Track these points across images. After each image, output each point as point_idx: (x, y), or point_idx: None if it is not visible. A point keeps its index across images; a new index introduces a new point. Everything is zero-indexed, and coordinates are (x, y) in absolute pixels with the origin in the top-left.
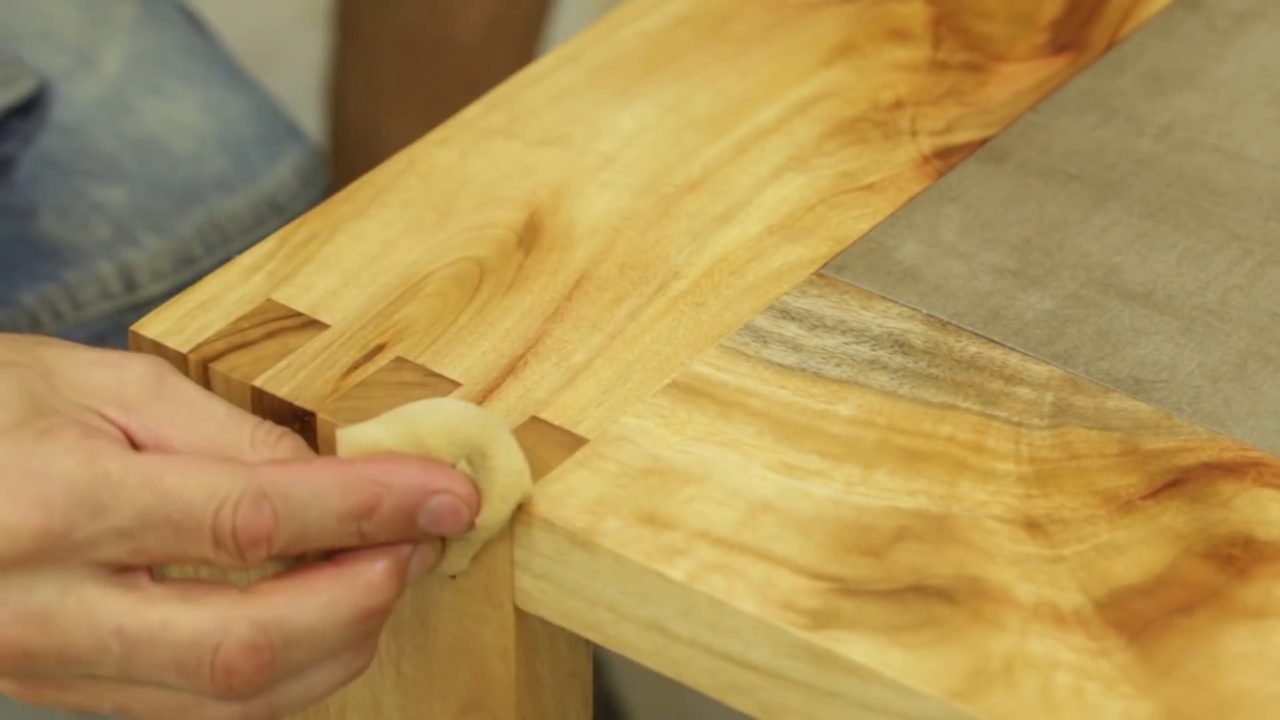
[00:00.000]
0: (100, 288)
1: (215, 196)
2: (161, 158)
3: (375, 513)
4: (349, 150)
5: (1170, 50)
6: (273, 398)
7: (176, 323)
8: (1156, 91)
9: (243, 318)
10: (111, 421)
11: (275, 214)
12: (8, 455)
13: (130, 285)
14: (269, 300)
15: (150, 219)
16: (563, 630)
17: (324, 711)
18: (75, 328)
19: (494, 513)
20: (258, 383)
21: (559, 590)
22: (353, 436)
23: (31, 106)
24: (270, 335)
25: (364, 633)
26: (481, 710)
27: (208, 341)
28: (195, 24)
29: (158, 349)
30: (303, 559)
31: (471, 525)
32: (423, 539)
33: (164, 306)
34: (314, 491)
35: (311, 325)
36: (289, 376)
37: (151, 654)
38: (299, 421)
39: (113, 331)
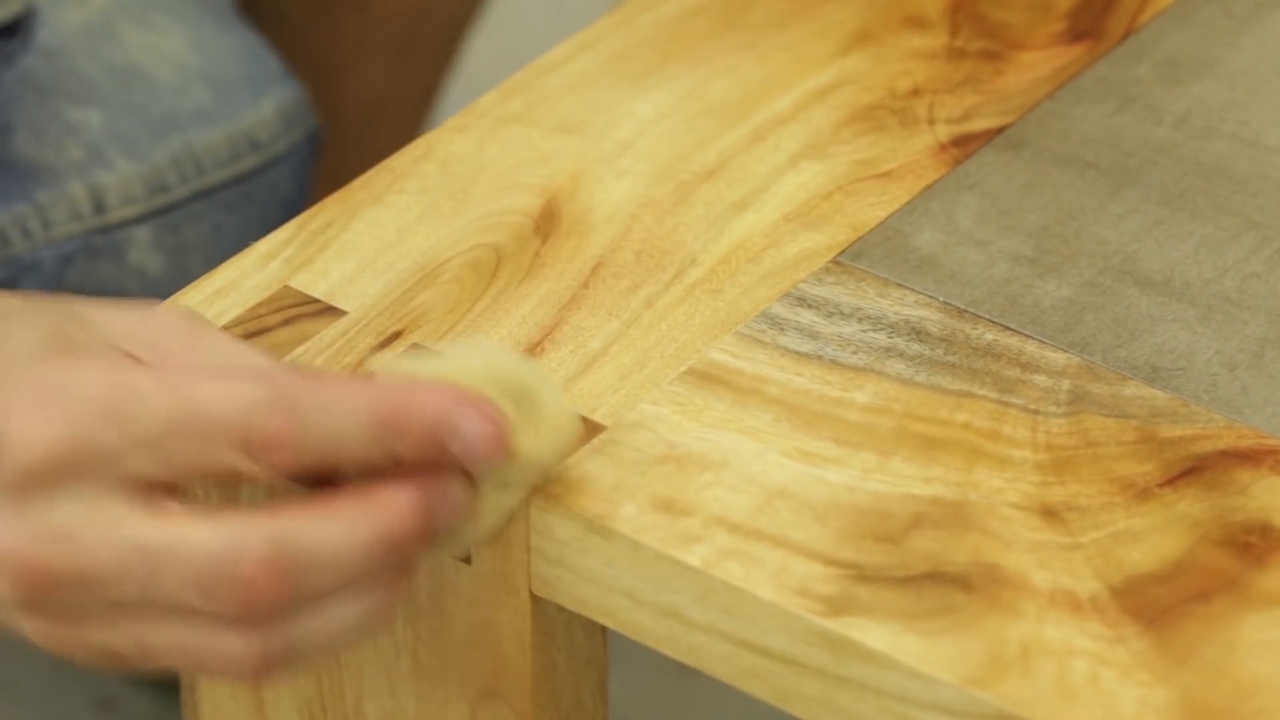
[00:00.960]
0: (70, 208)
1: (193, 127)
2: (142, 85)
3: (406, 432)
4: None
5: (1188, 38)
6: None
7: (194, 309)
8: (1174, 79)
9: (260, 304)
10: (143, 362)
11: (253, 151)
12: (36, 372)
13: (100, 207)
14: (286, 287)
15: (125, 143)
16: (579, 617)
17: (340, 700)
18: (44, 246)
19: (541, 447)
20: None
21: (575, 577)
22: (388, 370)
23: (16, 29)
24: (287, 322)
25: (386, 565)
26: (497, 697)
27: (225, 328)
28: None
29: None
30: (333, 486)
31: (506, 455)
32: (455, 472)
33: (181, 292)
34: (345, 405)
35: (328, 312)
36: (306, 363)
37: (172, 571)
38: None
39: (81, 252)
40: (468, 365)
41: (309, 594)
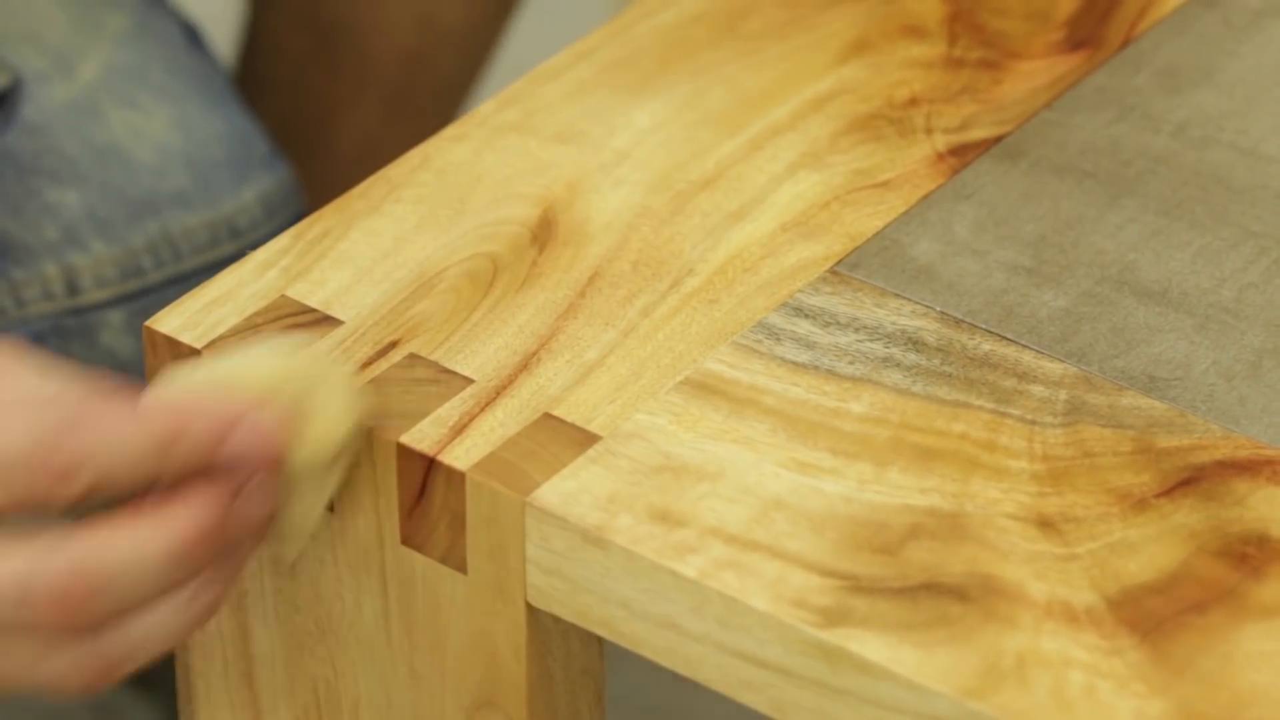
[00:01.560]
0: (43, 288)
1: (171, 211)
2: (121, 166)
3: (179, 443)
4: None
5: (1187, 47)
6: None
7: (191, 318)
8: (1173, 88)
9: (257, 313)
10: None
11: (233, 238)
12: None
13: (73, 289)
14: (283, 296)
15: (101, 225)
16: (575, 627)
17: (336, 709)
18: (16, 324)
19: (332, 430)
20: None
21: (571, 587)
22: (175, 381)
23: (0, 102)
24: (284, 331)
25: (190, 568)
26: (494, 707)
27: (222, 337)
28: (193, 41)
29: (172, 344)
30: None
31: (278, 461)
32: (234, 478)
33: (178, 301)
34: (121, 433)
35: (325, 321)
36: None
37: None
38: None
39: (52, 333)
40: (252, 367)
41: (115, 609)
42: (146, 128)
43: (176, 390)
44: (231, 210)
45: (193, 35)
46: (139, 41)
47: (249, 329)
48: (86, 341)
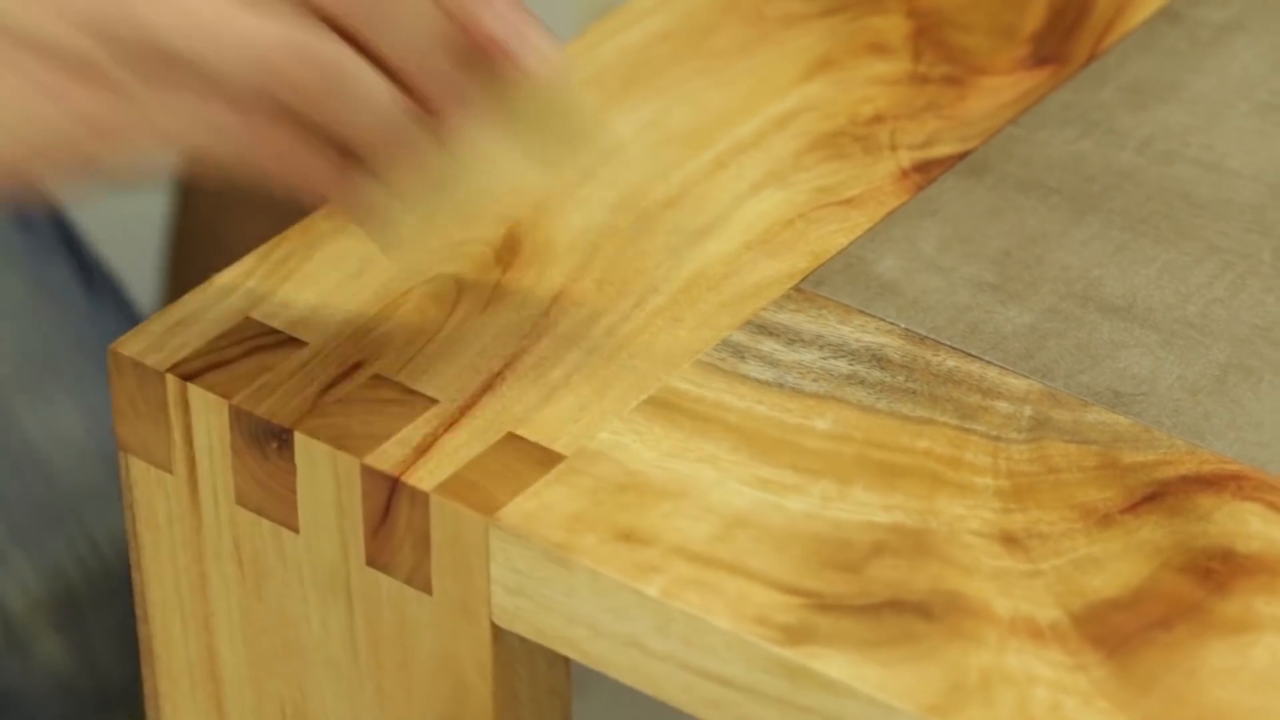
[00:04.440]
0: None
1: (91, 512)
2: (38, 474)
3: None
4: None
5: (1152, 63)
6: (250, 416)
7: (155, 340)
8: (1138, 104)
9: (221, 336)
10: None
11: None
12: None
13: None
14: (247, 318)
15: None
16: (541, 647)
17: None
18: None
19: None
20: (235, 401)
21: (536, 606)
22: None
23: None
24: (248, 353)
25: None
26: None
27: (186, 360)
28: (89, 284)
29: (136, 367)
30: None
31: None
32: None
33: (143, 324)
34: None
35: (289, 343)
36: (267, 394)
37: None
38: (277, 440)
39: None
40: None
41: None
42: (58, 424)
43: None
44: None
45: (88, 275)
46: (37, 310)
47: (213, 351)
48: (21, 659)
